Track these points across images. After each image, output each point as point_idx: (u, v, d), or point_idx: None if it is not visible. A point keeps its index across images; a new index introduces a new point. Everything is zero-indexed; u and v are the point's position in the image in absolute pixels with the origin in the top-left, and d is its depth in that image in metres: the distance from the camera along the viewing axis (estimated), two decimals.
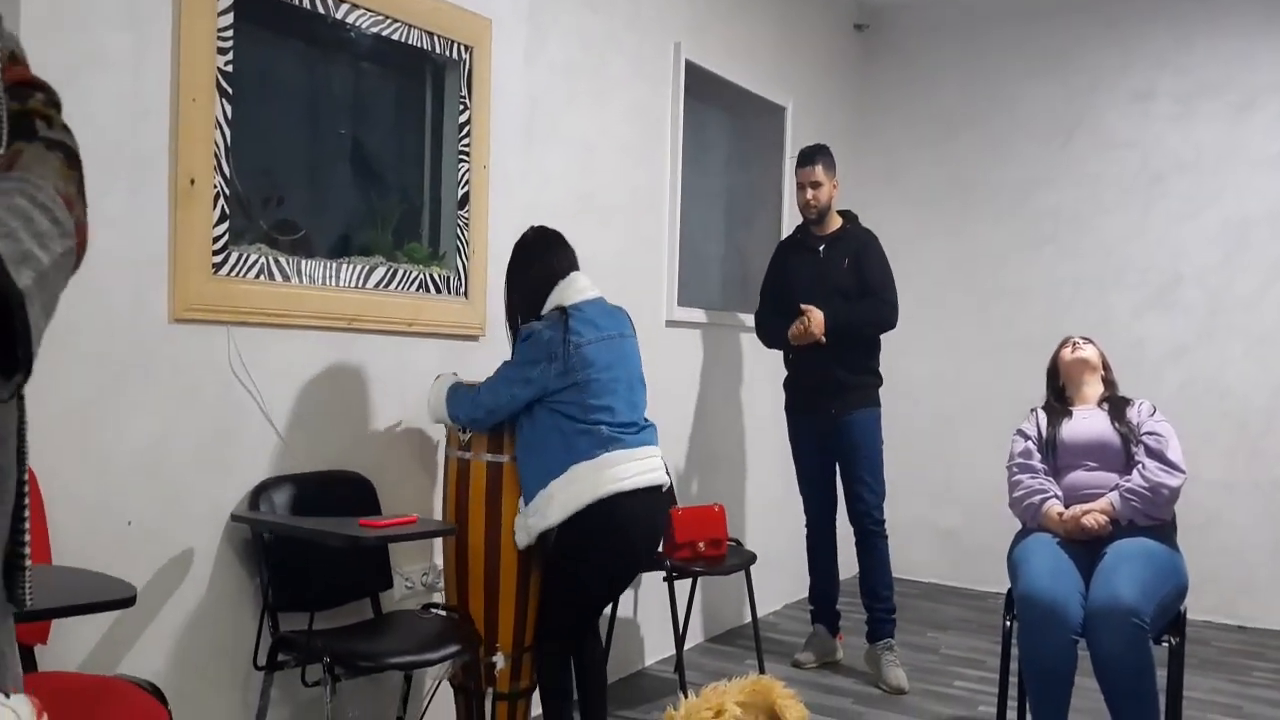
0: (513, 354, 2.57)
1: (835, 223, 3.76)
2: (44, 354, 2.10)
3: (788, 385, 3.87)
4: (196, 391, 2.27)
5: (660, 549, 2.75)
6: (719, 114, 4.44)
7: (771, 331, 3.81)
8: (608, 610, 3.24)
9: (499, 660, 2.58)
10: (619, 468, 2.45)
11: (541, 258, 2.59)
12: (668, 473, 2.72)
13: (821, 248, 3.73)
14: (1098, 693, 2.51)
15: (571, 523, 2.45)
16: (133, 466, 2.14)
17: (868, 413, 3.68)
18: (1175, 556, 2.69)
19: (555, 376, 2.43)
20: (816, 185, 3.68)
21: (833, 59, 5.20)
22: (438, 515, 2.79)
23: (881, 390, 3.77)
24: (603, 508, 2.42)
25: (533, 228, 2.67)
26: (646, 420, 2.62)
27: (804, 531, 3.90)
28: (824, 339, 3.55)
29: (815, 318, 3.55)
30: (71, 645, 2.03)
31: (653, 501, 2.56)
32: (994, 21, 5.14)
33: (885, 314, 3.66)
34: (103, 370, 2.09)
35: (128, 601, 1.54)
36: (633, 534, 2.53)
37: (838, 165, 3.79)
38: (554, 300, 2.52)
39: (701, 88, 4.12)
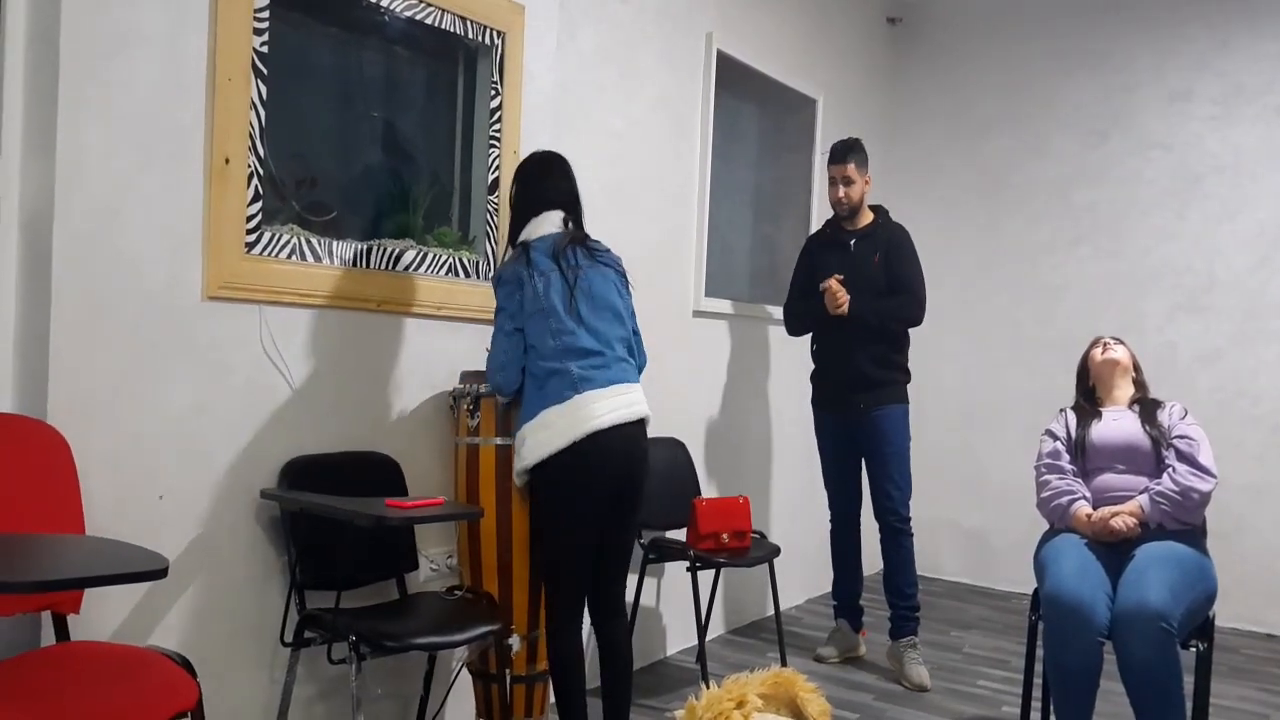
0: None
1: (867, 217, 3.74)
2: (79, 327, 2.14)
3: (815, 379, 3.85)
4: (228, 369, 2.29)
5: (643, 484, 2.59)
6: (749, 106, 4.42)
7: (798, 317, 3.79)
8: (630, 597, 3.23)
9: (514, 642, 2.60)
10: (591, 407, 2.41)
11: (532, 187, 2.61)
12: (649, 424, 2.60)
13: (852, 242, 3.70)
14: (1123, 696, 2.48)
15: (544, 467, 2.44)
16: (165, 441, 2.16)
17: (896, 409, 3.65)
18: (1204, 561, 2.65)
19: (530, 300, 2.45)
20: (849, 182, 3.66)
21: (865, 52, 5.17)
22: None
23: (910, 387, 3.74)
24: (576, 449, 2.40)
25: (534, 153, 2.68)
26: (621, 354, 2.53)
27: (828, 526, 3.89)
28: (844, 301, 3.53)
29: (841, 295, 3.54)
30: (104, 615, 2.06)
31: (628, 435, 2.48)
32: (1028, 18, 5.09)
33: (913, 311, 3.63)
34: (137, 345, 2.11)
35: (160, 573, 1.55)
36: (606, 468, 2.46)
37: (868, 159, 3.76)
38: (522, 236, 2.56)
39: (732, 79, 4.11)
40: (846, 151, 3.66)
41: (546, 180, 2.61)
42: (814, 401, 3.85)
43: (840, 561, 3.87)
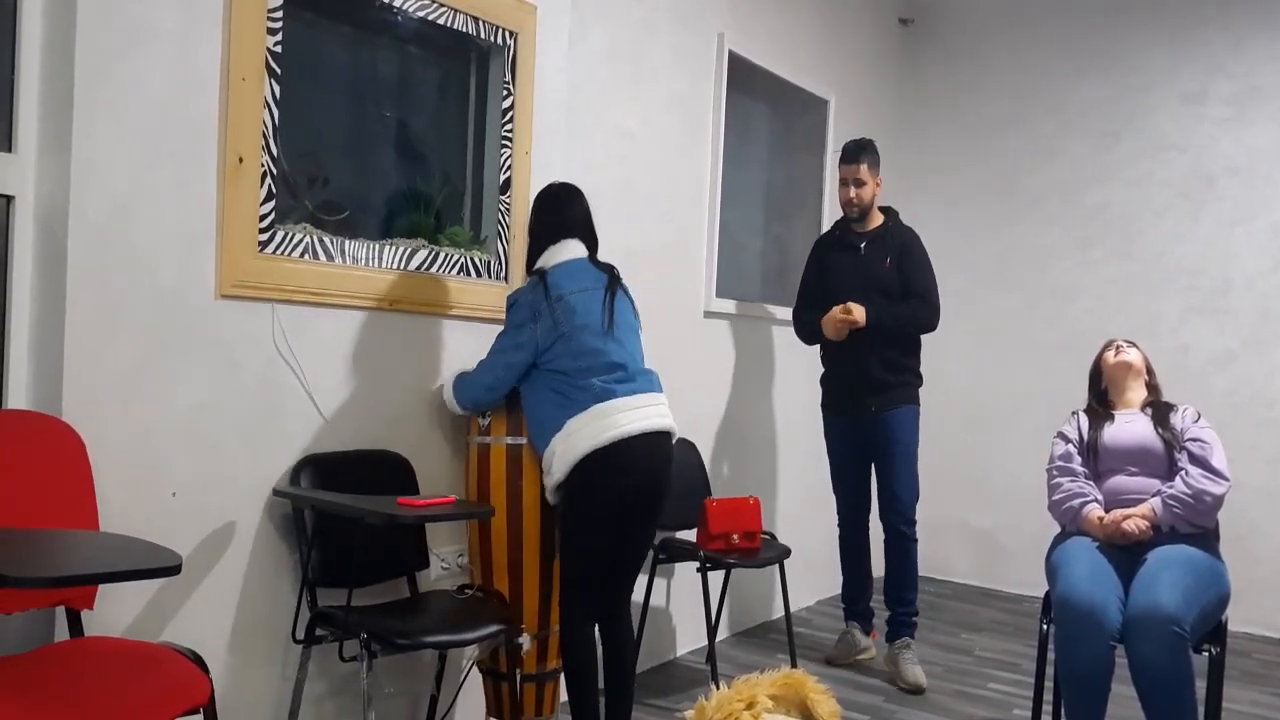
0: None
1: (876, 220, 3.72)
2: (93, 324, 2.15)
3: (825, 382, 3.83)
4: (241, 367, 2.30)
5: (666, 494, 2.63)
6: (760, 106, 4.41)
7: (809, 327, 3.78)
8: (639, 596, 3.24)
9: (524, 641, 2.60)
10: (616, 416, 2.47)
11: (552, 215, 2.66)
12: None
13: (863, 245, 3.69)
14: (1134, 700, 2.47)
15: (574, 473, 2.47)
16: (178, 439, 2.17)
17: (906, 411, 3.63)
18: (1217, 564, 2.63)
19: (545, 333, 2.50)
20: (860, 183, 3.64)
21: (877, 53, 5.16)
22: None
23: (920, 389, 3.73)
24: (602, 454, 2.45)
25: (553, 184, 2.73)
26: (644, 368, 2.62)
27: (837, 528, 3.88)
28: (863, 323, 3.52)
29: (855, 312, 3.52)
30: (117, 612, 2.07)
31: (653, 444, 2.53)
32: (1041, 19, 5.07)
33: (928, 316, 3.62)
34: (150, 343, 2.12)
35: (174, 570, 1.56)
36: (631, 474, 2.50)
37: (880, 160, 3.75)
38: (540, 263, 2.61)
39: (743, 79, 4.10)
40: (859, 152, 3.64)
41: (565, 209, 2.67)
42: (824, 405, 3.83)
43: (850, 564, 3.86)
